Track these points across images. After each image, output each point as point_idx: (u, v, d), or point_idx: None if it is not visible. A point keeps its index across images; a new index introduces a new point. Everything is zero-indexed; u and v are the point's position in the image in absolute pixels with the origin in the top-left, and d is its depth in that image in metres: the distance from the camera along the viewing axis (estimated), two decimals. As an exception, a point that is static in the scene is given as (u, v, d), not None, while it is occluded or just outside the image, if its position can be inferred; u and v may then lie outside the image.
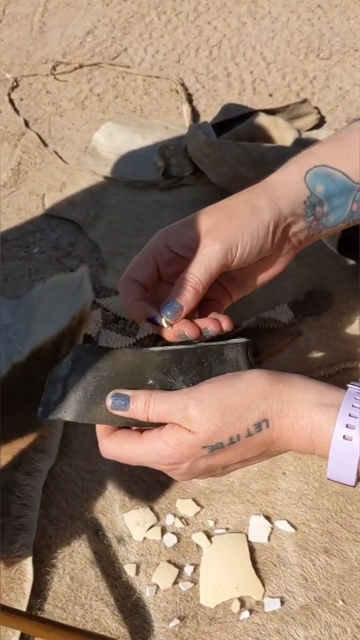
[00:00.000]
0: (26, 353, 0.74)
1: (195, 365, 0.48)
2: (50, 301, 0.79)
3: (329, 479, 0.45)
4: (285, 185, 0.54)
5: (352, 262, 0.82)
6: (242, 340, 0.50)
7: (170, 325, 0.51)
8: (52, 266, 0.87)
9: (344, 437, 0.43)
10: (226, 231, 0.51)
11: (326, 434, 0.44)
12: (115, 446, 0.47)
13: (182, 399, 0.46)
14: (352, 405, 0.44)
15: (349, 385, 0.45)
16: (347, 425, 0.43)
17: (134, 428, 0.48)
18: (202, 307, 0.54)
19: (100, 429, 0.48)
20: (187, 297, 0.51)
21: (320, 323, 0.77)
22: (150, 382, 0.47)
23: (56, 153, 1.04)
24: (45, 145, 1.06)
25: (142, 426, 0.47)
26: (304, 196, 0.54)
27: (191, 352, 0.48)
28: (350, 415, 0.44)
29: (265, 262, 0.55)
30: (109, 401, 0.47)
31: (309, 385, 0.46)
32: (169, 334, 0.51)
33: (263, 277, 0.56)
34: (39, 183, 0.99)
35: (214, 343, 0.49)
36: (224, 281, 0.55)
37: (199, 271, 0.51)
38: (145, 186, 0.95)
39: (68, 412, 0.47)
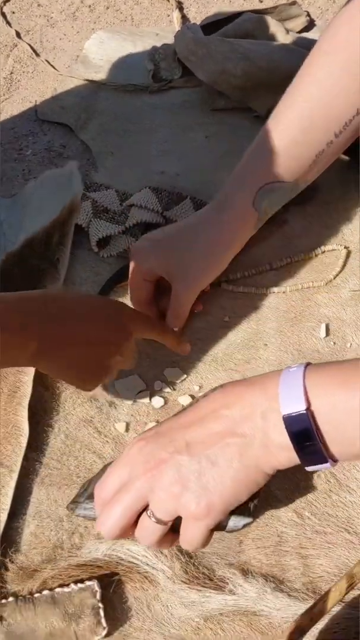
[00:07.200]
0: (19, 243, 0.77)
1: None
2: (42, 195, 0.81)
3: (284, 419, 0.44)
4: (237, 220, 0.66)
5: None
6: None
7: None
8: (45, 167, 0.89)
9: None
10: (194, 276, 0.65)
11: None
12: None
13: None
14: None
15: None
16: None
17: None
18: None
19: None
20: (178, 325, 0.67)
21: (305, 212, 0.80)
22: None
23: (48, 62, 1.05)
24: (37, 55, 1.07)
25: None
26: (254, 219, 0.67)
27: None
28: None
29: None
30: None
31: None
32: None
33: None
34: (31, 90, 1.01)
35: None
36: None
37: (177, 316, 0.66)
38: (135, 89, 0.96)
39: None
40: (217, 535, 0.50)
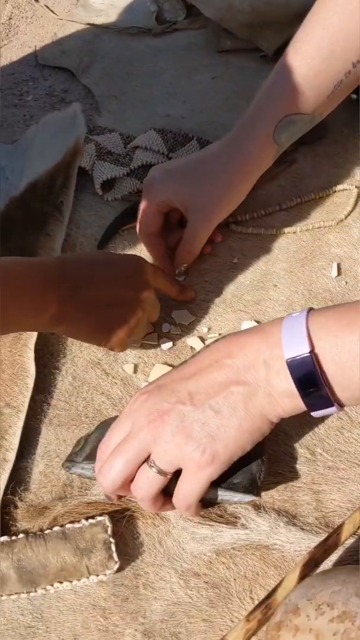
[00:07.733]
0: (22, 187, 0.75)
1: None
2: (45, 139, 0.79)
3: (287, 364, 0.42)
4: (258, 151, 0.63)
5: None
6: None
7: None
8: (46, 112, 0.87)
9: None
10: (212, 207, 0.63)
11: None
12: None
13: None
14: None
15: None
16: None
17: None
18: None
19: None
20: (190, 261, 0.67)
21: (315, 152, 0.77)
22: None
23: (47, 7, 1.02)
24: (36, 0, 1.04)
25: None
26: (274, 151, 0.64)
27: None
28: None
29: None
30: None
31: None
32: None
33: None
34: (30, 36, 0.98)
35: None
36: None
37: (190, 251, 0.65)
38: (138, 32, 0.94)
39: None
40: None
